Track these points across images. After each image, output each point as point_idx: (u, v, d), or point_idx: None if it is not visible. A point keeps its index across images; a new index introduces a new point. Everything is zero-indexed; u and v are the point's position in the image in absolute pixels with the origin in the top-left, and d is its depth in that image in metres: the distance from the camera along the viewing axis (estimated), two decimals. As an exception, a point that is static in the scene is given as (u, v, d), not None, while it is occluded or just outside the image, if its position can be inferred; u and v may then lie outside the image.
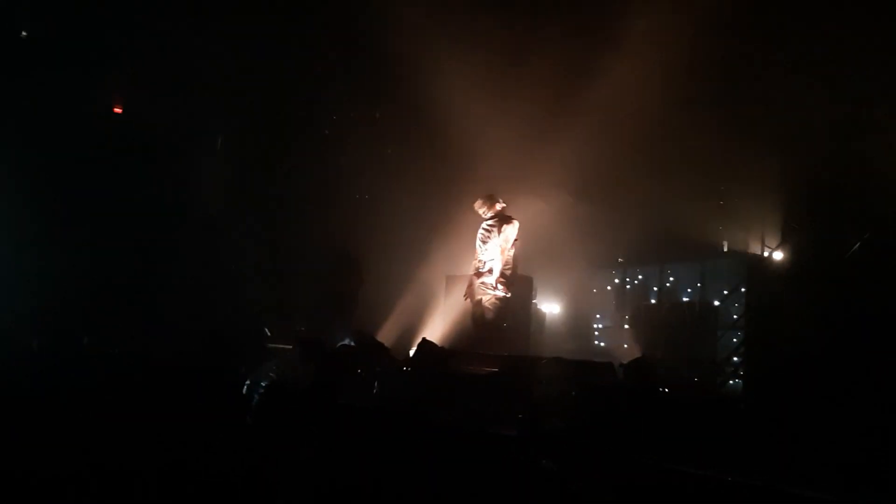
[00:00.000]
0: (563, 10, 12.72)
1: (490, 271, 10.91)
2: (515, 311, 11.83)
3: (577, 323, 17.04)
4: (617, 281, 18.33)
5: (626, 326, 16.41)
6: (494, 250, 10.92)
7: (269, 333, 11.97)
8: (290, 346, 9.56)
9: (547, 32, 12.75)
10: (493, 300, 10.93)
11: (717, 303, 15.37)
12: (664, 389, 9.43)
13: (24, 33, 12.67)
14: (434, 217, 14.28)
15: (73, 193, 12.55)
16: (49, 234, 12.20)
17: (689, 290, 17.16)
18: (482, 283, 11.00)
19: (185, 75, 13.27)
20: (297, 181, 15.14)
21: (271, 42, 13.54)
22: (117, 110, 13.51)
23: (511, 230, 10.94)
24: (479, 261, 11.12)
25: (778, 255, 13.20)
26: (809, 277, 10.98)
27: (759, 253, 13.85)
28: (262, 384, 7.89)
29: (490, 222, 11.12)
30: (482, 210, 11.22)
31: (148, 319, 11.62)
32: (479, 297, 11.10)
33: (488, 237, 11.03)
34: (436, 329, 12.48)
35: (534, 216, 12.58)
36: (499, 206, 11.14)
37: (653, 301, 17.29)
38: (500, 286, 10.84)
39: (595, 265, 17.14)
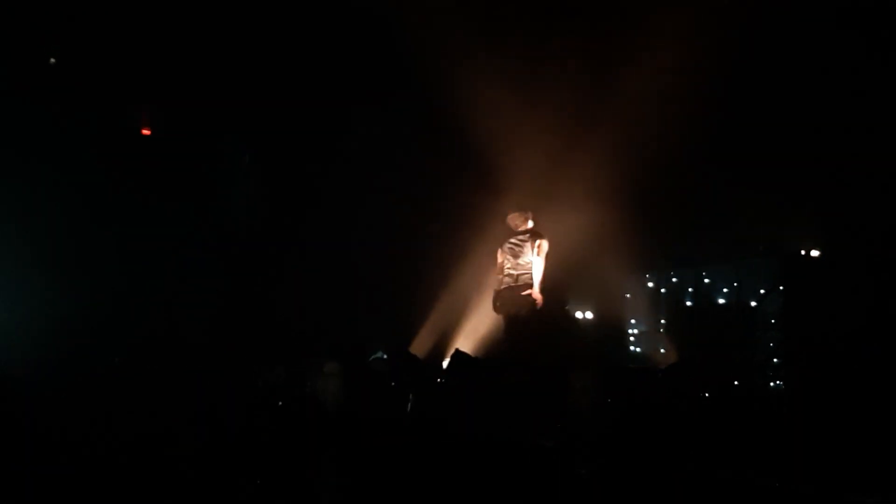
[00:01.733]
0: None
1: (527, 284, 10.92)
2: (549, 321, 11.81)
3: (612, 329, 16.85)
4: (651, 285, 18.10)
5: (662, 331, 16.19)
6: (534, 263, 11.03)
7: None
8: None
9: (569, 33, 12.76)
10: (528, 310, 10.95)
11: (754, 304, 15.11)
12: (704, 394, 9.30)
13: (52, 60, 12.91)
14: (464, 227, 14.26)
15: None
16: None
17: (725, 291, 16.89)
18: (521, 294, 11.01)
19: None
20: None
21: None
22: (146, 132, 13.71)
23: (546, 244, 11.15)
24: (509, 274, 11.17)
25: (816, 255, 12.99)
26: (848, 277, 10.81)
27: (796, 252, 13.62)
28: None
29: (522, 236, 11.23)
30: (515, 223, 11.36)
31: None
32: (511, 309, 11.13)
33: (520, 251, 11.14)
34: (468, 340, 12.50)
35: (564, 223, 12.50)
36: (531, 222, 11.27)
37: (688, 304, 17.06)
38: (537, 297, 10.90)
39: (629, 269, 16.96)
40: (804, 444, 6.56)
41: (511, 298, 11.11)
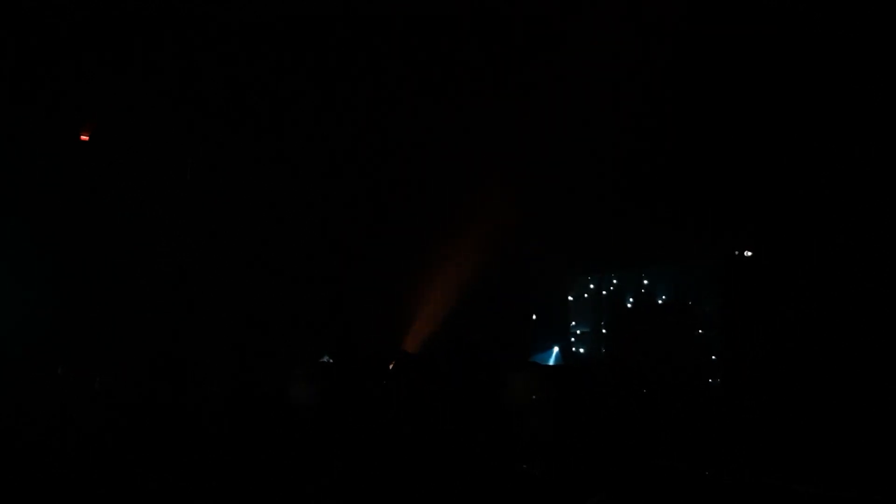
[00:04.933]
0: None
1: None
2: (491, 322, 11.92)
3: (555, 330, 17.04)
4: (592, 287, 18.36)
5: (604, 331, 16.42)
6: None
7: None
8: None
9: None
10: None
11: (692, 304, 15.44)
12: (644, 391, 9.46)
13: None
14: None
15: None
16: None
17: (664, 293, 17.21)
18: None
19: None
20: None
21: None
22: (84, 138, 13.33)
23: None
24: None
25: (752, 257, 13.33)
26: (783, 278, 11.12)
27: (733, 255, 13.95)
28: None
29: None
30: None
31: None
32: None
33: None
34: (416, 340, 12.53)
35: (507, 225, 12.61)
36: None
37: (629, 305, 17.34)
38: None
39: (571, 272, 17.18)
40: (740, 436, 6.74)
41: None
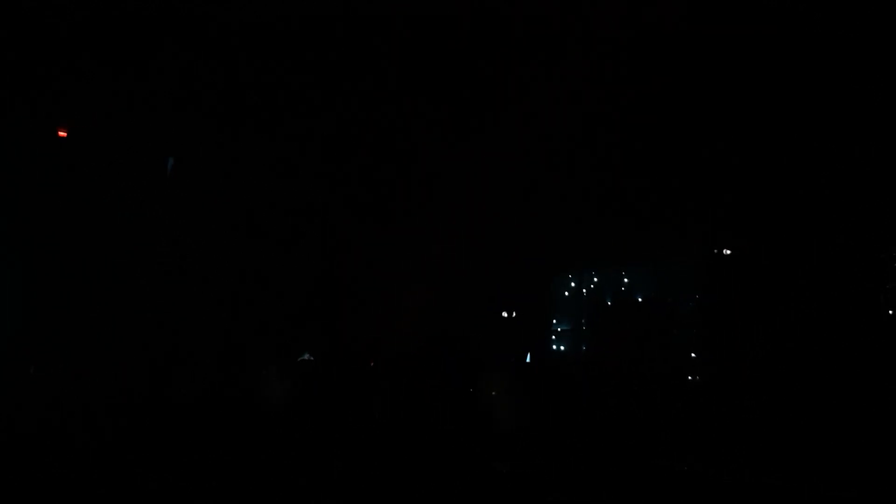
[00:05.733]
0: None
1: None
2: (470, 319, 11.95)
3: (536, 327, 17.12)
4: (574, 285, 18.46)
5: (584, 328, 16.53)
6: None
7: None
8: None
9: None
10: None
11: (672, 302, 15.56)
12: (624, 387, 9.54)
13: None
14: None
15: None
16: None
17: (644, 291, 17.33)
18: None
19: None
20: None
21: None
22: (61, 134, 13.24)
23: None
24: None
25: (730, 256, 13.45)
26: (760, 277, 11.23)
27: (712, 253, 14.07)
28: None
29: None
30: None
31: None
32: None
33: None
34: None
35: (489, 224, 12.65)
36: None
37: (609, 303, 17.45)
38: None
39: (552, 270, 17.26)
40: (720, 432, 6.82)
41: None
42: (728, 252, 13.56)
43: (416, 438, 7.20)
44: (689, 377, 13.66)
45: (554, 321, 17.93)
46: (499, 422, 7.39)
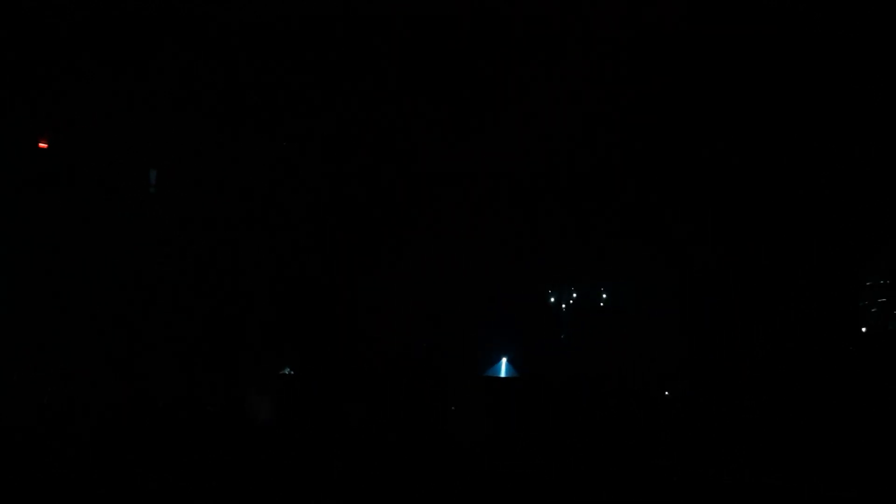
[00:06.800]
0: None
1: None
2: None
3: (518, 340, 17.07)
4: (553, 300, 18.47)
5: (563, 338, 16.56)
6: None
7: None
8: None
9: None
10: None
11: (651, 314, 15.60)
12: (603, 400, 9.53)
13: None
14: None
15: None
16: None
17: (624, 303, 17.37)
18: None
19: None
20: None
21: None
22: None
23: None
24: None
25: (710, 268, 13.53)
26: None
27: (693, 265, 14.14)
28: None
29: None
30: None
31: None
32: None
33: None
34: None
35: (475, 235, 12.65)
36: None
37: (591, 315, 17.48)
38: None
39: (534, 283, 17.26)
40: (701, 442, 6.82)
41: None
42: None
43: (408, 442, 7.13)
44: (666, 392, 13.69)
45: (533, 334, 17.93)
46: (469, 430, 7.38)
